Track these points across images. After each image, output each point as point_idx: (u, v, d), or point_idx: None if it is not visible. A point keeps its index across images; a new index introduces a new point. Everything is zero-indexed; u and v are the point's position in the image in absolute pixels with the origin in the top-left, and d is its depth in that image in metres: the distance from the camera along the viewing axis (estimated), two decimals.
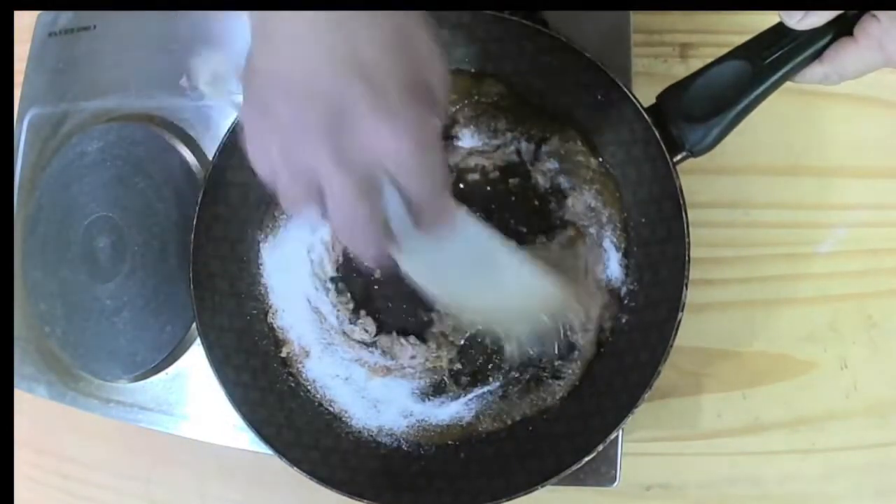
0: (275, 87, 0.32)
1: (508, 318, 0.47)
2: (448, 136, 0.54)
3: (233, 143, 0.52)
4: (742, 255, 0.56)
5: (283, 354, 0.53)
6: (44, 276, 0.62)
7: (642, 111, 0.47)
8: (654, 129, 0.46)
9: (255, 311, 0.54)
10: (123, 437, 0.62)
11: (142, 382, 0.59)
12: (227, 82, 0.43)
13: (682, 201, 0.45)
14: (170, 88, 0.61)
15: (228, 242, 0.54)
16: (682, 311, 0.44)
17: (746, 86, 0.44)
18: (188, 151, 0.59)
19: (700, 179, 0.55)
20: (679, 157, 0.46)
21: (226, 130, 0.52)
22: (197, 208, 0.52)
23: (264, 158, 0.33)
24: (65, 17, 0.67)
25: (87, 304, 0.60)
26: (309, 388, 0.53)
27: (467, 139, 0.53)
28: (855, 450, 0.53)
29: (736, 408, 0.54)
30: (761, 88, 0.43)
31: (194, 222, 0.52)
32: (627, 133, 0.49)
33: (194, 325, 0.51)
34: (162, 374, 0.58)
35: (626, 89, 0.47)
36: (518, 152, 0.53)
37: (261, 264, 0.55)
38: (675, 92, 0.45)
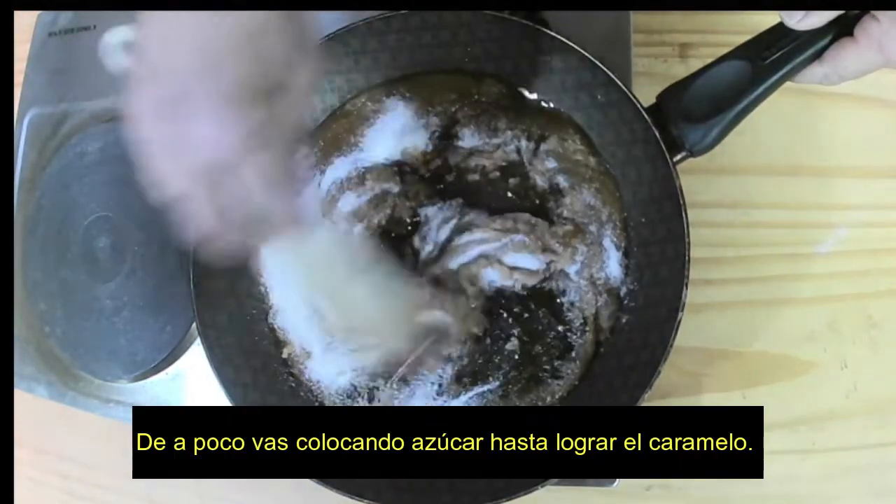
0: (143, 65, 0.34)
1: (361, 328, 0.48)
2: (449, 136, 0.54)
3: None
4: (742, 255, 0.56)
5: (284, 355, 0.53)
6: (44, 276, 0.62)
7: (642, 111, 0.47)
8: (653, 129, 0.46)
9: (255, 311, 0.54)
10: (123, 437, 0.62)
11: (142, 382, 0.59)
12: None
13: (682, 201, 0.45)
14: None
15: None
16: (683, 310, 0.44)
17: (746, 86, 0.44)
18: None
19: (700, 179, 0.55)
20: (679, 157, 0.46)
21: None
22: None
23: (133, 128, 0.35)
24: (65, 17, 0.67)
25: (87, 304, 0.60)
26: (311, 388, 0.53)
27: (468, 139, 0.53)
28: (855, 450, 0.53)
29: None
30: (761, 89, 0.43)
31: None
32: (627, 133, 0.49)
33: (194, 325, 0.51)
34: (162, 374, 0.58)
35: (626, 89, 0.47)
36: (518, 151, 0.53)
37: (261, 264, 0.55)
38: (675, 92, 0.45)
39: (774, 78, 0.43)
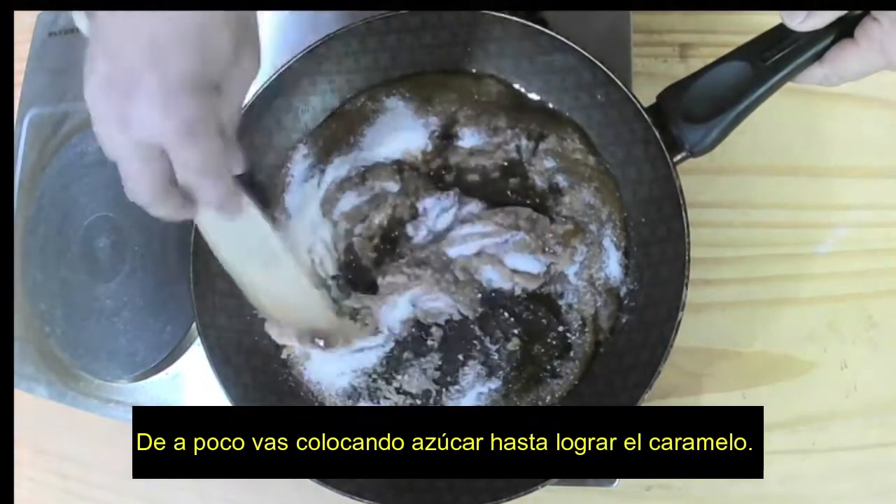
0: (97, 44, 0.37)
1: (281, 311, 0.50)
2: (449, 136, 0.54)
3: None
4: (742, 255, 0.56)
5: (284, 356, 0.53)
6: (44, 276, 0.62)
7: (642, 111, 0.47)
8: (653, 129, 0.46)
9: (255, 312, 0.54)
10: (123, 437, 0.62)
11: (142, 382, 0.59)
12: None
13: (681, 201, 0.45)
14: None
15: None
16: (683, 310, 0.44)
17: (747, 87, 0.44)
18: None
19: (700, 179, 0.55)
20: (679, 157, 0.46)
21: None
22: None
23: (86, 99, 0.38)
24: (65, 17, 0.67)
25: (87, 304, 0.60)
26: (311, 388, 0.53)
27: (468, 138, 0.53)
28: (855, 450, 0.53)
29: None
30: (762, 89, 0.43)
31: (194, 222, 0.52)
32: (627, 133, 0.49)
33: (194, 325, 0.51)
34: (162, 374, 0.58)
35: (626, 89, 0.47)
36: (518, 149, 0.53)
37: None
38: (676, 92, 0.45)
39: (775, 79, 0.43)
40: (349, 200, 0.54)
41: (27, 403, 0.64)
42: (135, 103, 0.35)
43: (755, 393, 0.54)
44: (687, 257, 0.45)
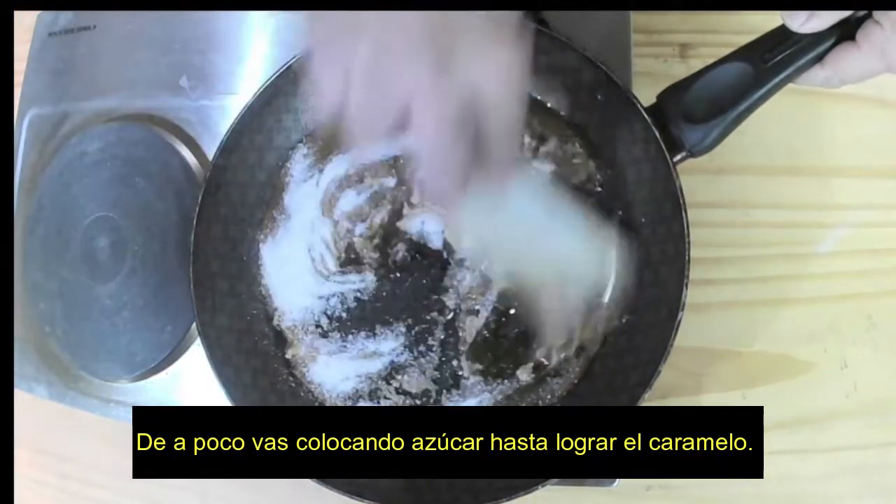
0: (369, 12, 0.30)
1: (548, 280, 0.46)
2: None
3: (233, 143, 0.52)
4: (742, 255, 0.56)
5: (289, 356, 0.53)
6: (44, 276, 0.62)
7: (642, 111, 0.47)
8: (653, 128, 0.46)
9: (255, 312, 0.54)
10: (123, 437, 0.62)
11: (142, 382, 0.59)
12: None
13: (681, 201, 0.45)
14: (170, 88, 0.61)
15: (228, 242, 0.54)
16: (683, 310, 0.44)
17: (747, 88, 0.44)
18: (188, 151, 0.59)
19: (700, 179, 0.55)
20: (679, 157, 0.46)
21: (226, 130, 0.52)
22: (197, 208, 0.52)
23: (334, 74, 0.31)
24: (65, 17, 0.67)
25: (87, 304, 0.60)
26: (312, 389, 0.53)
27: None
28: (855, 450, 0.53)
29: None
30: (762, 91, 0.43)
31: (194, 222, 0.51)
32: (627, 133, 0.49)
33: (194, 325, 0.51)
34: (162, 374, 0.58)
35: (626, 89, 0.47)
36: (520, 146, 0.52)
37: (261, 264, 0.55)
38: (676, 92, 0.45)
39: (776, 80, 0.43)
40: (349, 199, 0.54)
41: (27, 403, 0.64)
42: (461, 53, 0.30)
43: (755, 393, 0.54)
44: (687, 257, 0.45)
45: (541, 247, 0.45)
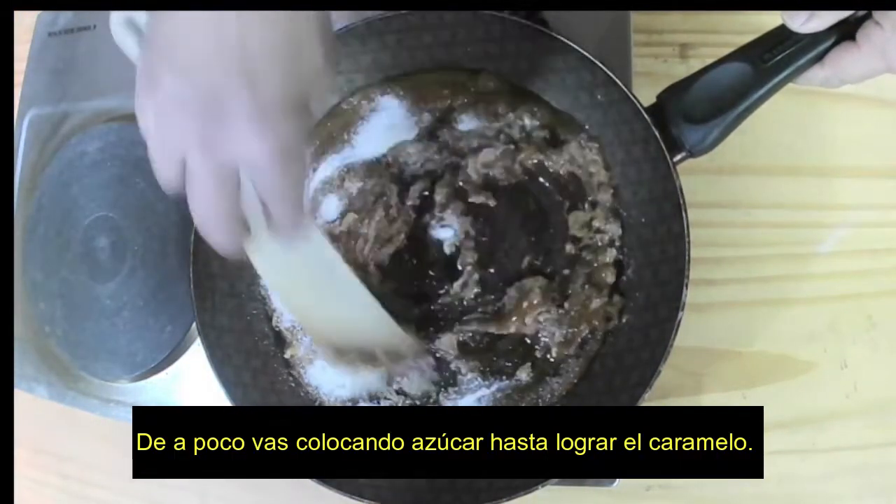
0: (163, 59, 0.32)
1: (345, 337, 0.48)
2: (446, 121, 0.54)
3: None
4: (742, 255, 0.56)
5: (288, 356, 0.53)
6: (44, 277, 0.62)
7: (642, 111, 0.47)
8: (653, 128, 0.46)
9: (255, 312, 0.54)
10: (123, 437, 0.62)
11: (142, 382, 0.59)
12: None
13: (681, 201, 0.45)
14: None
15: None
16: (683, 310, 0.44)
17: (747, 88, 0.44)
18: None
19: (700, 179, 0.55)
20: (679, 156, 0.46)
21: None
22: None
23: (142, 118, 0.34)
24: (65, 17, 0.67)
25: (87, 304, 0.60)
26: (311, 390, 0.53)
27: (466, 123, 0.53)
28: (855, 450, 0.53)
29: None
30: (762, 91, 0.43)
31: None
32: (627, 133, 0.49)
33: (194, 325, 0.51)
34: (162, 374, 0.58)
35: (625, 89, 0.47)
36: (523, 129, 0.52)
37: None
38: (676, 92, 0.45)
39: (776, 80, 0.43)
40: (332, 203, 0.54)
41: (27, 403, 0.64)
42: (225, 126, 0.32)
43: (755, 393, 0.54)
44: (687, 257, 0.45)
45: (329, 303, 0.46)
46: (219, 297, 0.52)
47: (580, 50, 0.48)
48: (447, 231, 0.52)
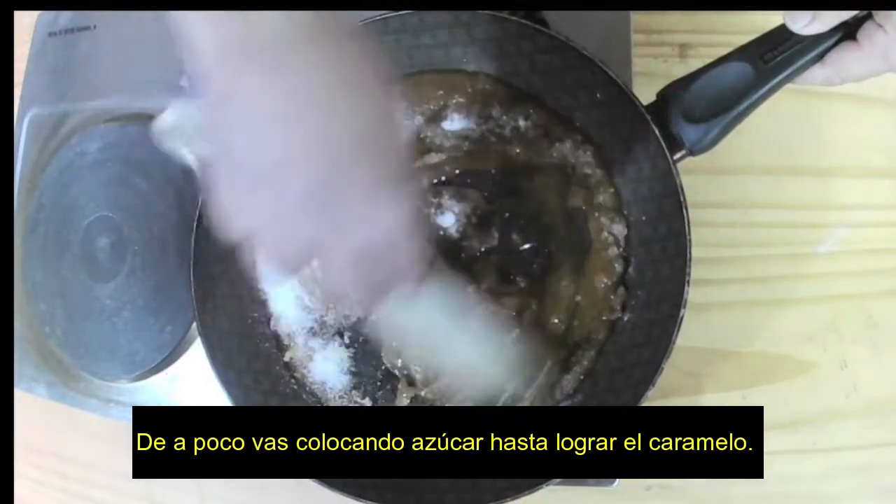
0: (252, 151, 0.32)
1: (469, 376, 0.48)
2: (434, 121, 0.54)
3: None
4: (742, 255, 0.56)
5: (287, 359, 0.53)
6: (44, 277, 0.62)
7: (642, 109, 0.47)
8: (653, 126, 0.46)
9: (255, 314, 0.54)
10: (123, 437, 0.62)
11: (142, 382, 0.59)
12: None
13: (682, 199, 0.45)
14: (170, 88, 0.60)
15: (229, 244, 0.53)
16: (685, 308, 0.44)
17: (748, 87, 0.44)
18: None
19: (700, 179, 0.55)
20: (679, 155, 0.46)
21: None
22: (197, 208, 0.52)
23: (243, 216, 0.34)
24: (65, 17, 0.67)
25: (87, 304, 0.60)
26: (314, 390, 0.53)
27: (456, 122, 0.53)
28: (855, 450, 0.53)
29: None
30: (762, 90, 0.43)
31: (194, 222, 0.51)
32: (627, 131, 0.49)
33: (194, 325, 0.51)
34: (162, 374, 0.58)
35: (625, 88, 0.47)
36: (516, 130, 0.53)
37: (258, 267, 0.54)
38: (676, 90, 0.45)
39: (776, 80, 0.43)
40: None
41: (27, 403, 0.64)
42: (348, 208, 0.32)
43: (755, 393, 0.54)
44: (688, 255, 0.45)
45: (447, 353, 0.47)
46: (219, 299, 0.52)
47: (580, 50, 0.48)
48: (448, 217, 0.52)
